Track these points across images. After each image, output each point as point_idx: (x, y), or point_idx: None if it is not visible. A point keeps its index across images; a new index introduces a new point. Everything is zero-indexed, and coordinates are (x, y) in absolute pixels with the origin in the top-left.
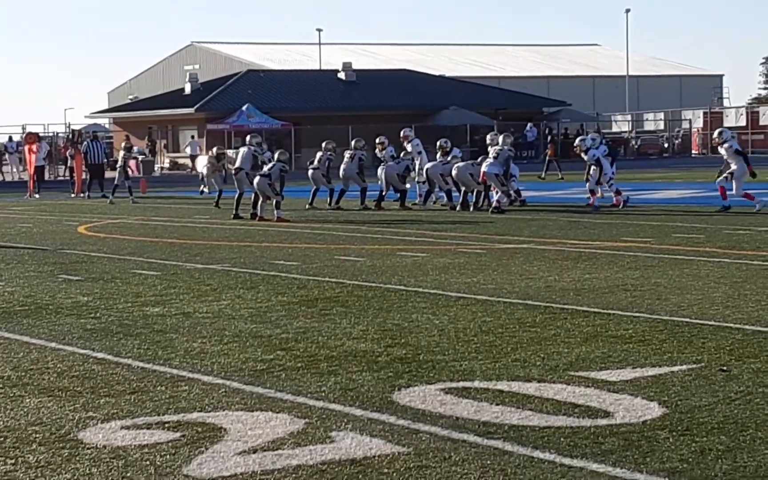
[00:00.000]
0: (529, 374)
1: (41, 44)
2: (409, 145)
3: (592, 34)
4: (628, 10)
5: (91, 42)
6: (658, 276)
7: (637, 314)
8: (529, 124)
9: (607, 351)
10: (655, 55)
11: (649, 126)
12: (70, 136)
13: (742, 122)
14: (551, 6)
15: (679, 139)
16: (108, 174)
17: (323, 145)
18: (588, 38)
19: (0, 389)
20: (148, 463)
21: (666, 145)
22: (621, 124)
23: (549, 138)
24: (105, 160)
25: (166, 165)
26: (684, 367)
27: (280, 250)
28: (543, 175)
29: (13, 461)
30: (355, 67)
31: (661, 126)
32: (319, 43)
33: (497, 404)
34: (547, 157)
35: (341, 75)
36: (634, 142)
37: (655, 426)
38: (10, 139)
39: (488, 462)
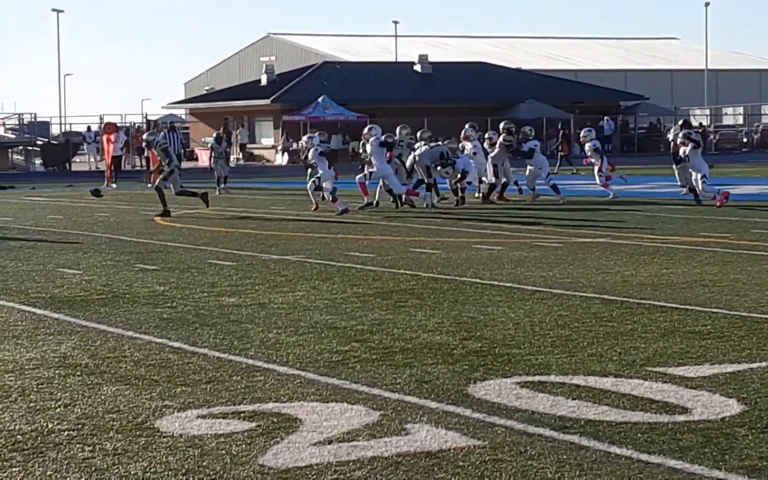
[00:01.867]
0: (606, 369)
1: (119, 35)
2: (469, 144)
3: (670, 27)
4: (707, 4)
5: (169, 33)
6: (736, 272)
7: (715, 310)
8: (605, 118)
9: (685, 347)
10: (734, 49)
11: (728, 120)
12: (147, 126)
13: None
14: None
15: (758, 134)
16: (184, 164)
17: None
18: (666, 32)
19: (78, 377)
20: (223, 452)
21: (745, 140)
22: (699, 119)
23: (561, 133)
24: (182, 151)
25: (241, 156)
26: (763, 363)
27: (355, 241)
28: (556, 169)
29: (90, 448)
30: (431, 59)
31: (740, 120)
32: (395, 36)
33: (573, 399)
34: (560, 154)
35: (417, 67)
36: (712, 137)
37: (734, 423)
38: (89, 128)
39: (564, 456)
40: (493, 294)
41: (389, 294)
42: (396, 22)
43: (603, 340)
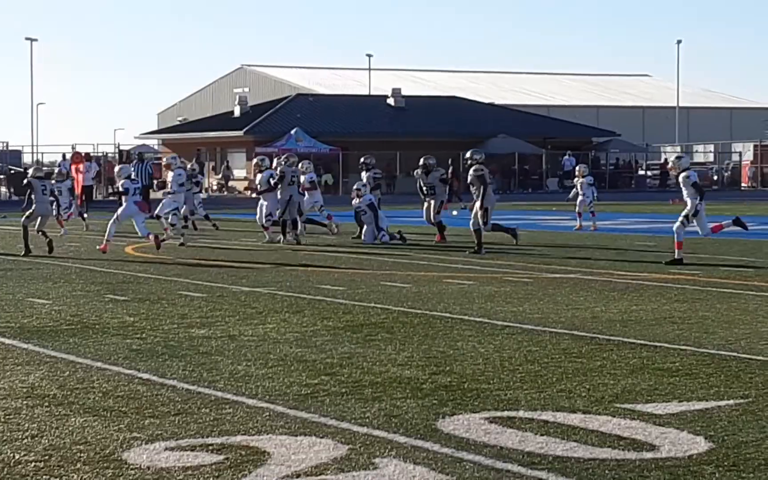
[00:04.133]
0: (575, 405)
1: (92, 65)
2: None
3: (642, 64)
4: (679, 42)
5: (142, 63)
6: (705, 309)
7: (684, 347)
8: (567, 152)
9: (654, 383)
10: (705, 87)
11: (698, 158)
12: (120, 156)
13: None
14: (601, 36)
15: (729, 172)
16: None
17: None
18: (638, 69)
19: (46, 408)
20: None
21: (716, 178)
22: (670, 156)
23: (450, 168)
24: (152, 182)
25: (214, 187)
26: (731, 401)
27: (326, 274)
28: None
29: (58, 479)
30: (404, 93)
31: (711, 158)
32: (369, 69)
33: (542, 435)
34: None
35: (390, 100)
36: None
37: (701, 460)
38: (64, 157)
39: None
40: (463, 329)
41: (359, 327)
42: (370, 56)
43: (572, 376)
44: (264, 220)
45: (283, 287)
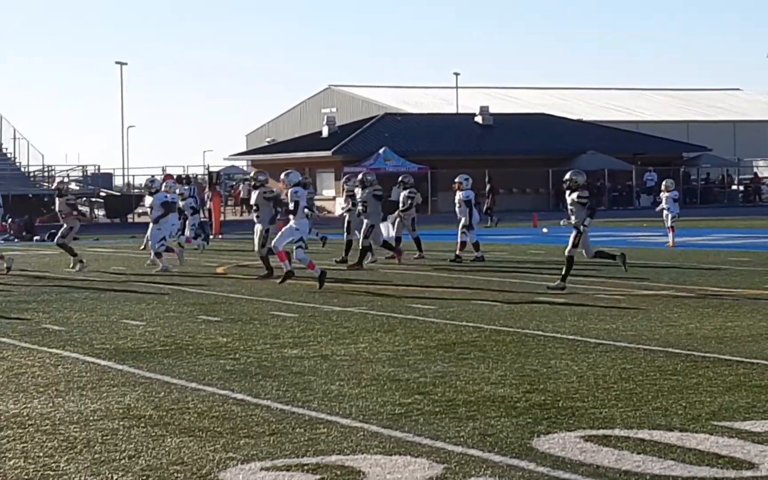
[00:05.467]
0: (671, 423)
1: (181, 87)
2: (461, 193)
3: (733, 78)
4: None
5: (230, 85)
6: None
7: None
8: (650, 169)
9: (752, 401)
10: None
11: None
12: (210, 178)
13: None
14: (691, 50)
15: None
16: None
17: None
18: (729, 82)
19: (142, 428)
20: None
21: None
22: (763, 170)
23: (489, 186)
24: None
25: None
26: None
27: (417, 293)
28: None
29: None
30: (492, 110)
31: None
32: (456, 87)
33: (639, 453)
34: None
35: (478, 119)
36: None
37: None
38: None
39: None
40: (556, 346)
41: (452, 346)
42: (457, 74)
43: (668, 393)
44: (157, 246)
45: (375, 306)
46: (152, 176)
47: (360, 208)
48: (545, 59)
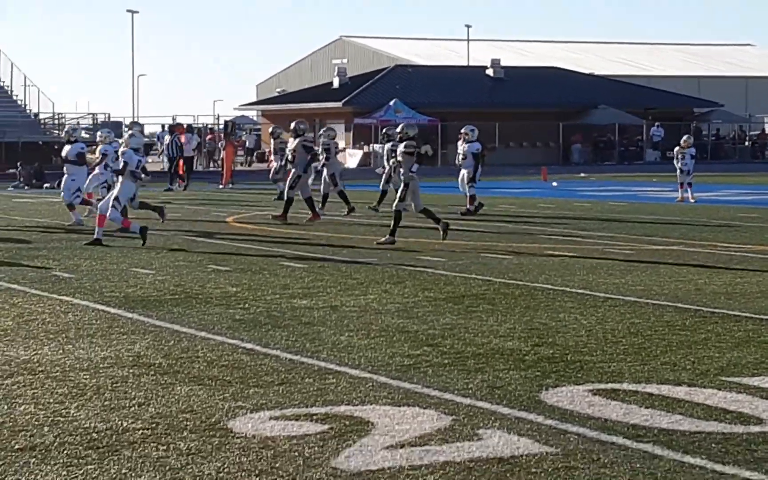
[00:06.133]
0: (679, 378)
1: (192, 37)
2: (466, 145)
3: (745, 33)
4: None
5: (241, 35)
6: None
7: None
8: (656, 124)
9: (760, 357)
10: None
11: None
12: (226, 127)
13: None
14: (703, 5)
15: None
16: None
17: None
18: (741, 38)
19: (152, 376)
20: (296, 454)
21: None
22: None
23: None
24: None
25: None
26: None
27: (426, 246)
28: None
29: (165, 447)
30: (503, 63)
31: None
32: (468, 39)
33: (647, 407)
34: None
35: (489, 71)
36: None
37: None
38: (163, 128)
39: (638, 465)
40: (565, 300)
41: (461, 299)
42: (468, 26)
43: (676, 348)
44: (72, 198)
45: (383, 259)
46: (75, 124)
47: (288, 156)
48: (557, 12)
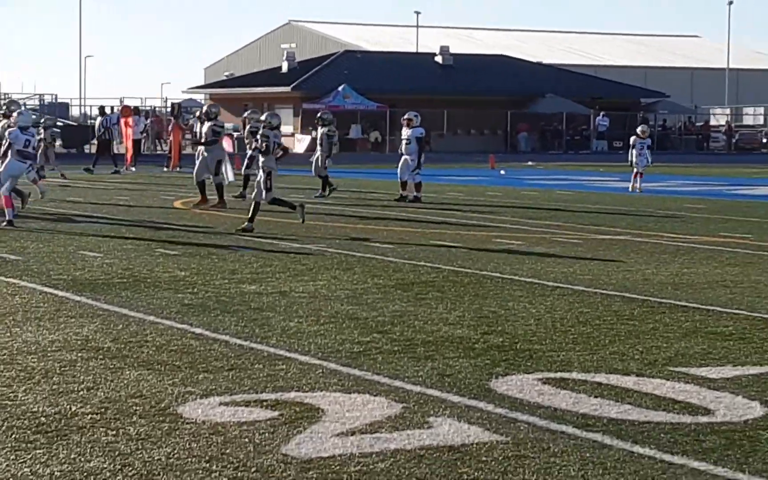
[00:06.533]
0: (628, 368)
1: (140, 19)
2: (410, 130)
3: (692, 25)
4: (730, 2)
5: (190, 18)
6: (757, 273)
7: (737, 311)
8: (601, 113)
9: (707, 347)
10: (756, 49)
11: (748, 120)
12: (172, 110)
13: None
14: None
15: None
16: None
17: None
18: (688, 29)
19: (100, 360)
20: (246, 440)
21: (765, 140)
22: (719, 118)
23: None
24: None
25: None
26: None
27: (375, 232)
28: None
29: (114, 432)
30: (452, 51)
31: (761, 120)
32: (417, 26)
33: (596, 396)
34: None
35: (438, 58)
36: (732, 137)
37: (758, 426)
38: (112, 109)
39: (588, 455)
40: (514, 289)
41: (410, 286)
42: (418, 13)
43: (625, 338)
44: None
45: (333, 245)
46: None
47: (202, 140)
48: (507, 1)
